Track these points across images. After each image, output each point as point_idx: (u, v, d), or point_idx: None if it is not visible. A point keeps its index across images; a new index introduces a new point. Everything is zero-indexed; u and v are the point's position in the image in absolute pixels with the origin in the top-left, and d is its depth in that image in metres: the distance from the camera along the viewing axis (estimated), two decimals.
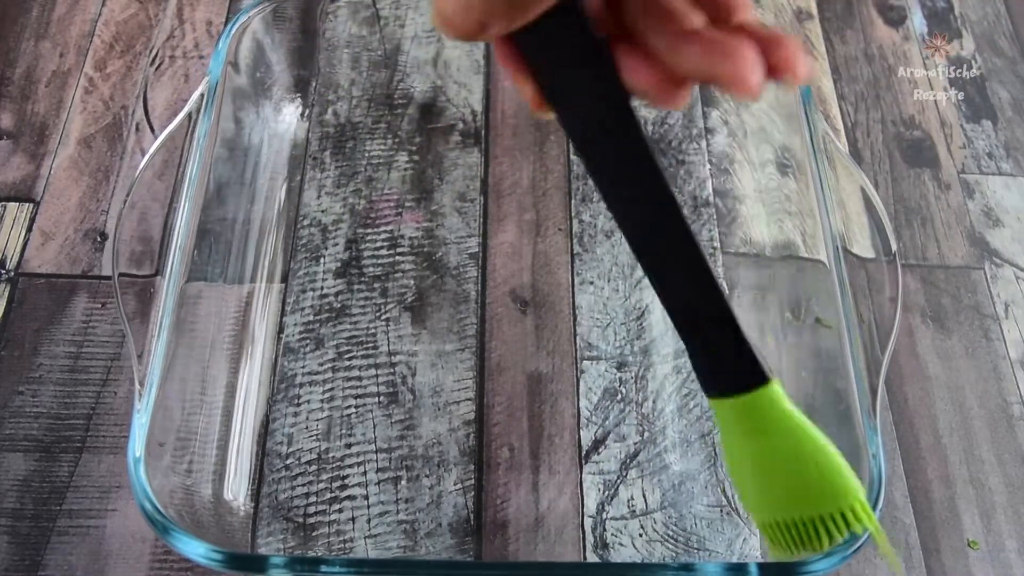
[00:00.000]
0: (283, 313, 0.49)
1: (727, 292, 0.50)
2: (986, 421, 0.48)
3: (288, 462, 0.45)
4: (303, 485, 0.44)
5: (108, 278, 0.49)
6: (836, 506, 0.26)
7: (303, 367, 0.47)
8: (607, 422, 0.46)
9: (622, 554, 0.43)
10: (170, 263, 0.40)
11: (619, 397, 0.47)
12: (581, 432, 0.46)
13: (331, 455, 0.45)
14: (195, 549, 0.33)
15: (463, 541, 0.43)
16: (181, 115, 0.43)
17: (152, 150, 0.42)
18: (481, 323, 0.49)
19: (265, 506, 0.43)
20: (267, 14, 0.50)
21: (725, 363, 0.25)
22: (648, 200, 0.23)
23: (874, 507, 0.34)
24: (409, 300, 0.50)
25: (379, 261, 0.51)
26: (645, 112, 0.57)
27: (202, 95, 0.44)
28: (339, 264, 0.51)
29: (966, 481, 0.46)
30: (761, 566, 0.33)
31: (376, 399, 0.46)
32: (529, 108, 0.23)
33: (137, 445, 0.35)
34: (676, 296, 0.24)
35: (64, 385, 0.46)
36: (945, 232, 0.55)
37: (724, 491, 0.45)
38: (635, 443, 0.46)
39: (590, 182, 0.54)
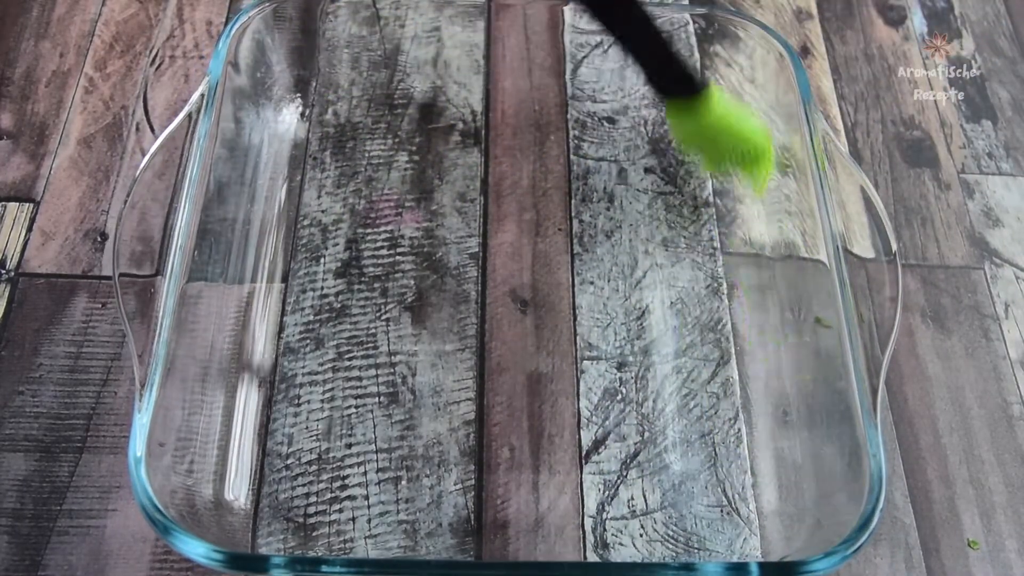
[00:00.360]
0: (283, 313, 0.49)
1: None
2: (986, 421, 0.48)
3: (288, 462, 0.45)
4: (303, 485, 0.44)
5: (108, 278, 0.49)
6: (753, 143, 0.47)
7: (303, 367, 0.47)
8: (607, 422, 0.46)
9: (622, 554, 0.43)
10: (170, 263, 0.40)
11: (619, 397, 0.47)
12: (581, 432, 0.46)
13: (331, 455, 0.45)
14: (195, 549, 0.33)
15: (463, 541, 0.43)
16: (181, 115, 0.44)
17: (152, 150, 0.42)
18: (481, 323, 0.49)
19: (265, 506, 0.43)
20: (267, 14, 0.50)
21: (675, 80, 0.44)
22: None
23: (874, 507, 0.34)
24: (409, 300, 0.50)
25: (379, 261, 0.51)
26: (645, 112, 0.57)
27: (202, 95, 0.44)
28: (339, 264, 0.51)
29: (966, 481, 0.46)
30: (762, 565, 0.33)
31: (376, 399, 0.46)
32: None
33: (138, 445, 0.35)
34: (644, 54, 0.42)
35: (64, 385, 0.46)
36: (945, 232, 0.55)
37: (724, 491, 0.45)
38: (635, 443, 0.46)
39: (590, 182, 0.54)
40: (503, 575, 0.36)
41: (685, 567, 0.33)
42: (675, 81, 0.44)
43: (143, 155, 0.54)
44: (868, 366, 0.39)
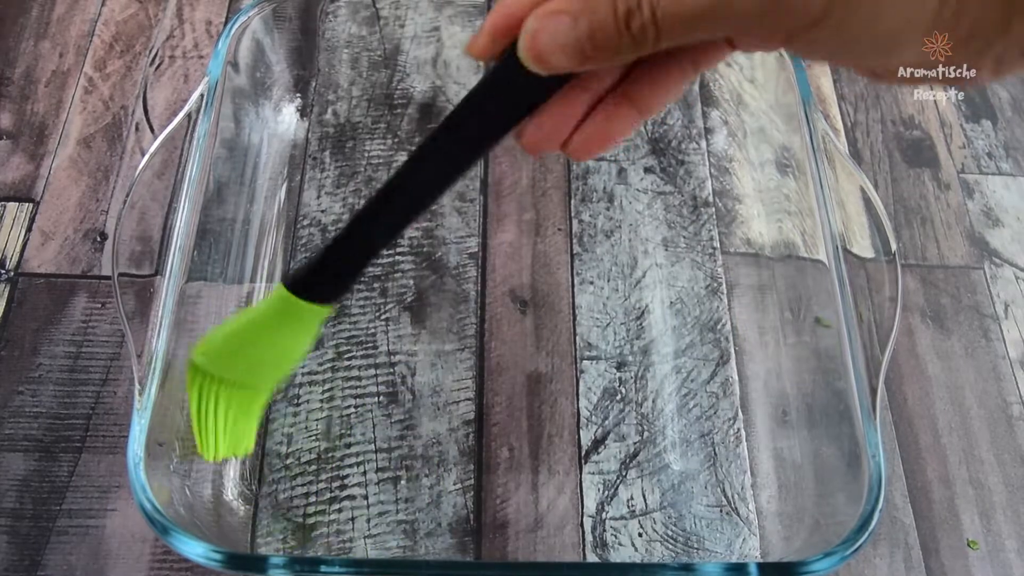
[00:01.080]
0: None
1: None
2: (986, 421, 0.48)
3: (288, 462, 0.45)
4: (303, 485, 0.44)
5: (108, 278, 0.49)
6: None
7: (302, 367, 0.47)
8: (607, 422, 0.46)
9: (622, 554, 0.43)
10: (170, 263, 0.40)
11: (619, 397, 0.47)
12: (581, 432, 0.46)
13: (331, 455, 0.45)
14: (194, 549, 0.33)
15: (463, 541, 0.43)
16: (181, 115, 0.43)
17: (151, 150, 0.42)
18: (481, 323, 0.49)
19: (265, 506, 0.43)
20: (267, 14, 0.50)
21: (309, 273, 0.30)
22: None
23: (873, 508, 0.34)
24: (409, 300, 0.50)
25: (379, 261, 0.51)
26: None
27: (202, 95, 0.44)
28: None
29: (965, 481, 0.46)
30: (760, 566, 0.33)
31: (376, 399, 0.46)
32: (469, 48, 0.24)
33: (137, 445, 0.35)
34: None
35: (64, 385, 0.46)
36: (945, 232, 0.55)
37: (724, 491, 0.45)
38: (635, 443, 0.46)
39: (590, 182, 0.54)
40: (502, 575, 0.36)
41: (684, 567, 0.33)
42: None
43: (143, 155, 0.54)
44: (867, 366, 0.39)
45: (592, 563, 0.42)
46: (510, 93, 0.24)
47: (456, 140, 0.25)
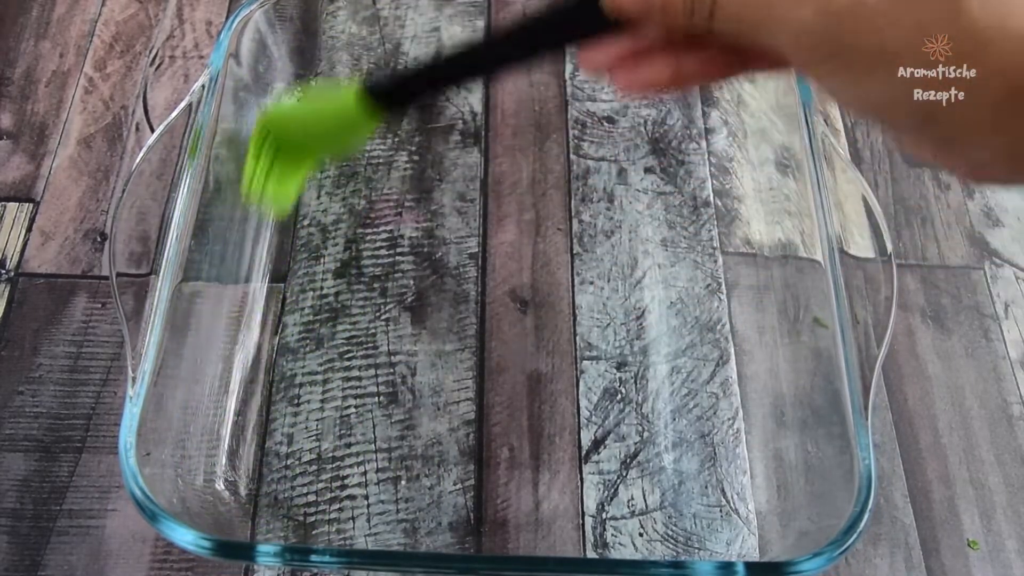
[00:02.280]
0: (282, 313, 0.49)
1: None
2: (986, 421, 0.48)
3: (288, 462, 0.45)
4: (303, 485, 0.44)
5: (108, 278, 0.49)
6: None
7: (303, 367, 0.47)
8: (607, 422, 0.46)
9: (622, 553, 0.43)
10: (167, 249, 0.39)
11: (619, 397, 0.47)
12: (581, 432, 0.46)
13: (331, 455, 0.45)
14: (184, 536, 0.32)
15: (463, 540, 0.43)
16: (182, 104, 0.43)
17: (153, 139, 0.42)
18: (481, 323, 0.49)
19: (265, 505, 0.43)
20: (268, 9, 0.50)
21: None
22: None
23: (863, 509, 0.34)
24: (409, 300, 0.50)
25: (379, 261, 0.51)
26: (645, 112, 0.57)
27: (203, 86, 0.44)
28: (339, 264, 0.51)
29: (966, 481, 0.46)
30: (748, 565, 0.33)
31: (376, 399, 0.46)
32: None
33: (128, 433, 0.34)
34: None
35: (64, 385, 0.46)
36: (945, 232, 0.55)
37: (723, 491, 0.45)
38: (635, 443, 0.46)
39: (590, 182, 0.54)
40: (488, 568, 0.36)
41: (673, 565, 0.33)
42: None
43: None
44: (862, 366, 0.39)
45: (580, 559, 0.42)
46: (579, 21, 0.29)
47: (528, 38, 0.30)
